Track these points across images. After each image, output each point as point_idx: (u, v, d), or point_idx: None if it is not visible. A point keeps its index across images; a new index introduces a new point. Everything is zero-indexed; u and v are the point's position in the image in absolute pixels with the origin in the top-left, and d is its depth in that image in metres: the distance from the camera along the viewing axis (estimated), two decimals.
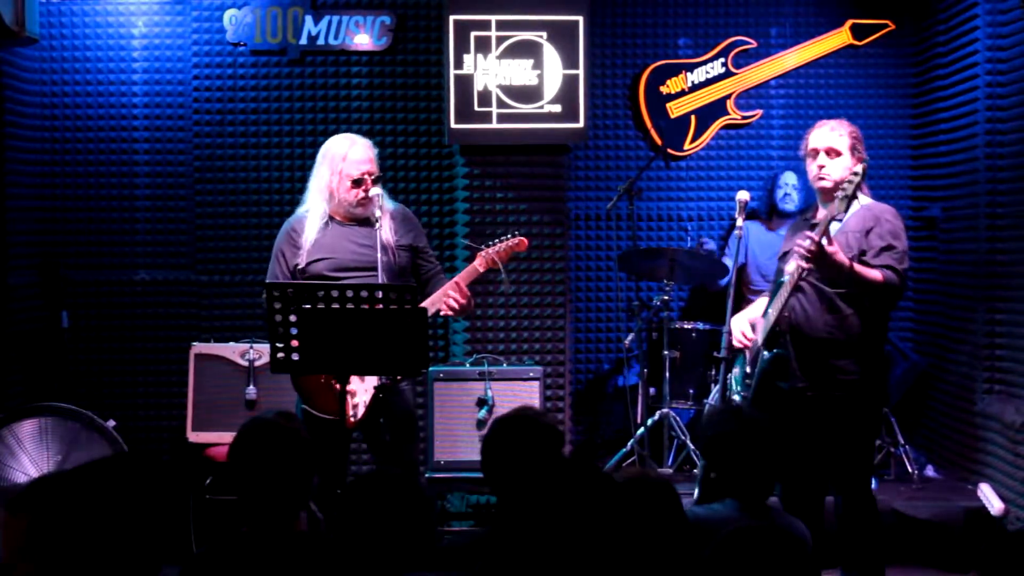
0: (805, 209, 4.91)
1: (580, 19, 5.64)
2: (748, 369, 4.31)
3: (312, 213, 4.34)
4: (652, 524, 2.45)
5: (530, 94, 5.64)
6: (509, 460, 2.94)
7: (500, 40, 5.63)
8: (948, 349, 5.93)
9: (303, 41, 5.92)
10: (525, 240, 4.46)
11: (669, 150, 6.26)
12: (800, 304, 4.07)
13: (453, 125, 5.63)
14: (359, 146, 4.36)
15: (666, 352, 5.63)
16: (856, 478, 4.12)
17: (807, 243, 3.83)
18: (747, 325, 4.34)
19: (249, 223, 5.97)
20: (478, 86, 5.62)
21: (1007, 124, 5.37)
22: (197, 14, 5.91)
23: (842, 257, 3.85)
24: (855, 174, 3.82)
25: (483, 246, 4.41)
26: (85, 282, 5.87)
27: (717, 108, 6.33)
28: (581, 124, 5.68)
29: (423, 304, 4.09)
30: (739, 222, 4.46)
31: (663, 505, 2.50)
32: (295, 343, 3.79)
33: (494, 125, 5.64)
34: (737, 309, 4.66)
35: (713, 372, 5.60)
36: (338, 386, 3.98)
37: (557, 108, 5.65)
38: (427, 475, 5.15)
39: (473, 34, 5.61)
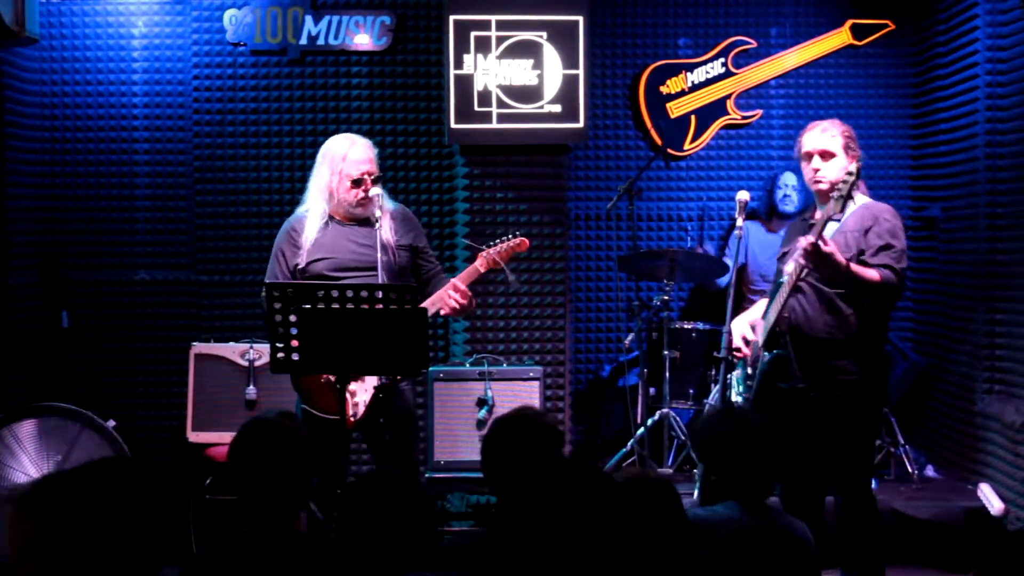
0: (804, 210, 4.91)
1: (580, 19, 5.65)
2: (749, 370, 4.31)
3: (312, 213, 4.34)
4: (652, 524, 2.45)
5: (530, 94, 5.64)
6: (509, 460, 2.94)
7: (500, 40, 5.63)
8: (948, 349, 5.93)
9: (303, 41, 5.92)
10: (526, 240, 4.46)
11: (669, 150, 6.26)
12: (800, 305, 4.07)
13: (453, 125, 5.63)
14: (359, 146, 4.36)
15: (666, 352, 5.63)
16: (856, 478, 4.12)
17: (804, 243, 3.83)
18: (747, 328, 4.34)
19: (249, 223, 5.97)
20: (478, 86, 5.62)
21: (1007, 124, 5.37)
22: (197, 14, 5.91)
23: (839, 257, 3.85)
24: (849, 174, 3.82)
25: (484, 246, 4.41)
26: (85, 282, 5.87)
27: (717, 108, 6.33)
28: (581, 124, 5.68)
29: (423, 304, 4.10)
30: (739, 222, 4.47)
31: (663, 505, 2.50)
32: (295, 343, 3.79)
33: (494, 125, 5.64)
34: (737, 309, 4.67)
35: (713, 372, 5.60)
36: (338, 386, 3.98)
37: (557, 108, 5.65)
38: (427, 475, 5.15)
39: (473, 34, 5.61)
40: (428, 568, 2.52)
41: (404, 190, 5.91)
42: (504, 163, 5.76)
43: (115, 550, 1.87)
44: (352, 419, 4.13)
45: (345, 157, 4.31)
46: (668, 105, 6.29)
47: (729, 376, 4.46)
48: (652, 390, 5.74)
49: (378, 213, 4.21)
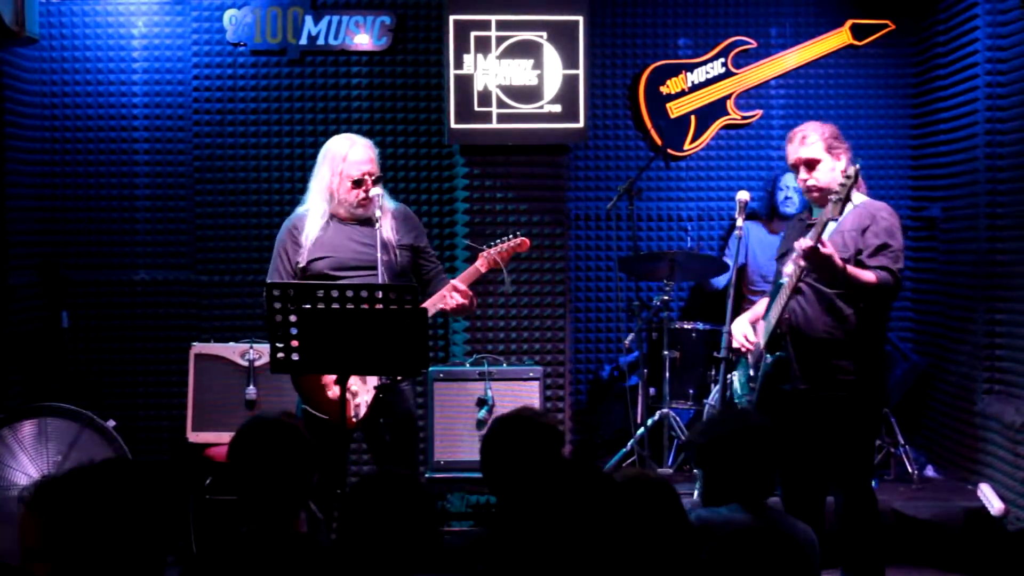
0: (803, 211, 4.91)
1: (580, 19, 5.64)
2: (751, 372, 4.32)
3: (313, 212, 4.35)
4: (652, 524, 2.45)
5: (530, 94, 5.64)
6: (508, 460, 2.94)
7: (500, 40, 5.63)
8: (948, 349, 5.93)
9: (303, 41, 5.92)
10: (527, 240, 4.46)
11: (669, 150, 6.26)
12: (799, 305, 4.07)
13: (453, 125, 5.63)
14: (359, 146, 4.36)
15: (666, 352, 5.63)
16: (857, 478, 4.13)
17: (803, 245, 3.83)
18: (748, 328, 4.34)
19: (249, 223, 5.97)
20: (478, 86, 5.62)
21: (1007, 124, 5.37)
22: (197, 14, 5.91)
23: (837, 260, 3.85)
24: (848, 177, 3.80)
25: (485, 246, 4.41)
26: (85, 282, 5.87)
27: (717, 108, 6.33)
28: (581, 124, 5.68)
29: (424, 304, 4.10)
30: (739, 222, 4.47)
31: (663, 505, 2.50)
32: (295, 343, 3.79)
33: (494, 125, 5.64)
34: (737, 310, 4.67)
35: (713, 372, 5.60)
36: (338, 387, 3.98)
37: (557, 108, 5.65)
38: (427, 475, 5.15)
39: (473, 34, 5.61)
40: (430, 569, 2.52)
41: (404, 190, 5.91)
42: (504, 163, 5.76)
43: (121, 549, 1.88)
44: (353, 419, 4.13)
45: (346, 158, 4.31)
46: (668, 105, 6.29)
47: (729, 376, 4.46)
48: (652, 390, 5.74)
49: (378, 213, 4.22)
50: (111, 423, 5.07)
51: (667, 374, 5.62)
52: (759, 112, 6.37)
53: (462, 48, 5.61)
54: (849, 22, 6.34)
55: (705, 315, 6.08)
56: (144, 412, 5.88)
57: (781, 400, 4.10)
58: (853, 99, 6.40)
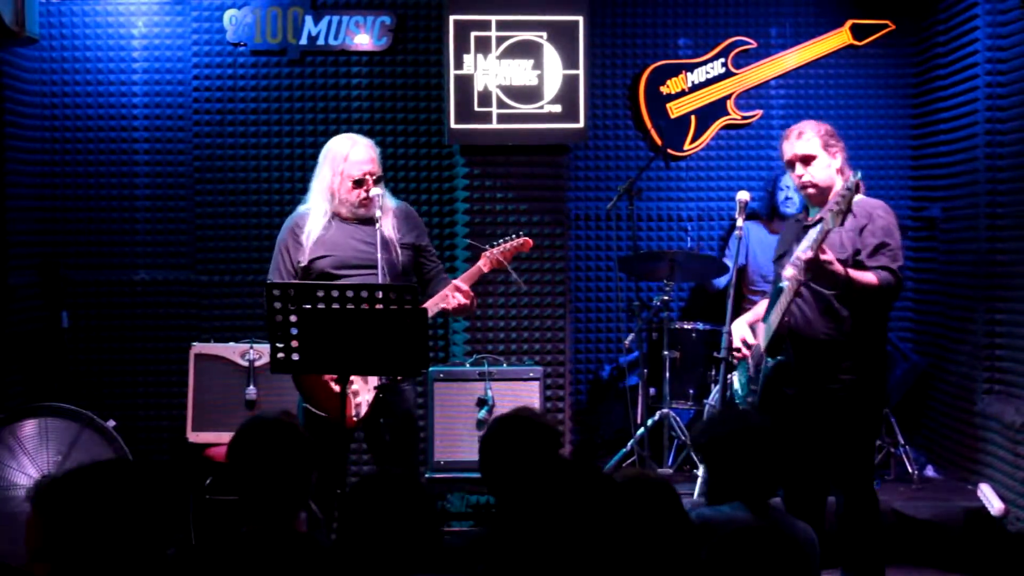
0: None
1: (580, 19, 5.64)
2: (751, 372, 4.32)
3: (315, 211, 4.35)
4: (652, 524, 2.45)
5: (530, 94, 5.64)
6: (506, 461, 2.94)
7: (500, 40, 5.63)
8: (948, 349, 5.93)
9: (303, 41, 5.92)
10: (530, 240, 4.46)
11: (669, 150, 6.26)
12: (798, 308, 4.07)
13: (453, 125, 5.63)
14: (360, 146, 4.36)
15: (666, 352, 5.63)
16: (858, 478, 4.13)
17: (804, 257, 3.82)
18: (747, 330, 4.35)
19: (249, 223, 5.97)
20: (478, 86, 5.62)
21: (1007, 124, 5.37)
22: (197, 14, 5.91)
23: (838, 267, 3.85)
24: (848, 189, 3.76)
25: (487, 246, 4.41)
26: (85, 282, 5.87)
27: (717, 108, 6.33)
28: (581, 124, 5.68)
29: (425, 305, 4.10)
30: (739, 222, 4.46)
31: (663, 505, 2.50)
32: (295, 343, 3.79)
33: (494, 125, 5.64)
34: (737, 310, 4.67)
35: (713, 372, 5.60)
36: (338, 386, 3.98)
37: (557, 108, 5.65)
38: (427, 475, 5.15)
39: (473, 34, 5.61)
40: (430, 569, 2.52)
41: (404, 190, 5.91)
42: (504, 163, 5.76)
43: (122, 549, 1.88)
44: (354, 419, 4.13)
45: (346, 158, 4.31)
46: (668, 105, 6.29)
47: (729, 377, 4.46)
48: (652, 390, 5.74)
49: (378, 213, 4.22)
50: (111, 423, 5.07)
51: (667, 374, 5.62)
52: (759, 112, 6.37)
53: (462, 48, 5.61)
54: (849, 22, 6.34)
55: (705, 315, 6.08)
56: (144, 412, 5.88)
57: (783, 402, 4.10)
58: (853, 99, 6.40)
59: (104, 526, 1.88)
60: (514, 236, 4.43)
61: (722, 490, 3.09)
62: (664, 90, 6.29)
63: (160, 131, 5.95)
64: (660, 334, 5.71)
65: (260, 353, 5.30)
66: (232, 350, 5.45)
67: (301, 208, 4.43)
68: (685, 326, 5.81)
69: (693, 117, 6.32)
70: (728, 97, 6.33)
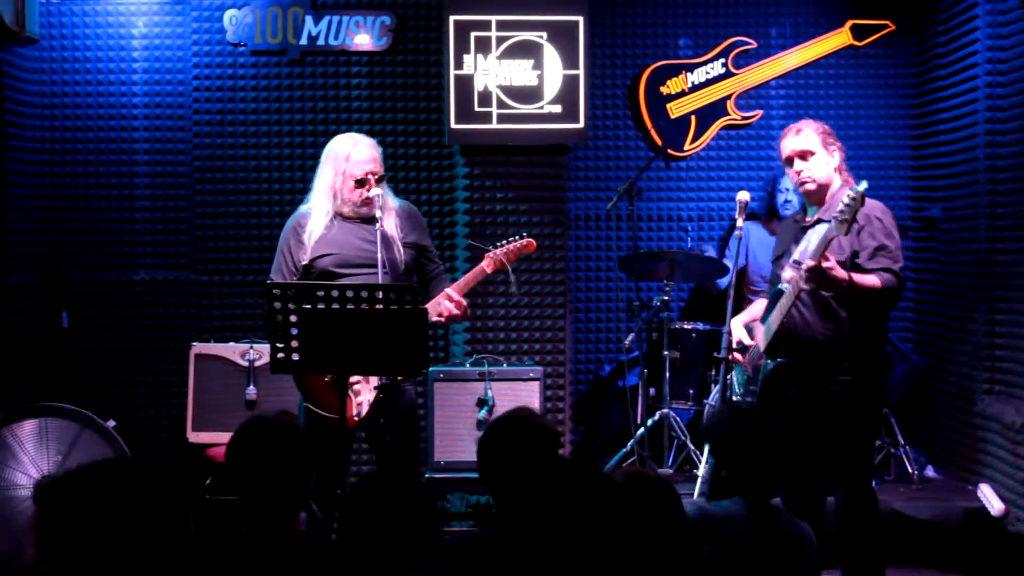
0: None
1: (580, 19, 5.65)
2: (749, 374, 4.32)
3: (317, 210, 4.35)
4: (651, 524, 2.45)
5: (530, 94, 5.64)
6: (504, 461, 2.94)
7: (500, 40, 5.63)
8: (948, 349, 5.93)
9: (303, 41, 5.92)
10: (533, 242, 4.45)
11: (669, 150, 6.26)
12: (797, 309, 4.07)
13: (453, 125, 5.63)
14: (362, 146, 4.36)
15: (666, 352, 5.63)
16: (857, 478, 4.13)
17: (806, 265, 3.81)
18: (743, 331, 4.35)
19: (249, 223, 5.97)
20: (478, 86, 5.62)
21: (1007, 124, 5.37)
22: (197, 14, 5.91)
23: (841, 272, 3.84)
24: (854, 199, 3.74)
25: (491, 247, 4.40)
26: (85, 282, 5.87)
27: (717, 108, 6.33)
28: (581, 124, 5.68)
29: (426, 306, 4.10)
30: (739, 223, 4.46)
31: (662, 505, 2.50)
32: (295, 343, 3.79)
33: (494, 125, 5.64)
34: (737, 310, 4.66)
35: (713, 372, 5.60)
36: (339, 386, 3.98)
37: (557, 108, 5.65)
38: (427, 475, 5.14)
39: (473, 34, 5.61)
40: (430, 569, 2.52)
41: (404, 190, 5.90)
42: (504, 163, 5.76)
43: (128, 549, 1.88)
44: (356, 418, 4.13)
45: (348, 157, 4.31)
46: (668, 105, 6.29)
47: (729, 376, 4.46)
48: (652, 390, 5.74)
49: (378, 213, 4.21)
50: (111, 423, 5.07)
51: (667, 374, 5.62)
52: (759, 112, 6.37)
53: (462, 48, 5.61)
54: (849, 22, 6.34)
55: (705, 315, 6.08)
56: (144, 412, 5.89)
57: (783, 403, 4.10)
58: (853, 99, 6.40)
59: (107, 525, 1.88)
60: (518, 237, 4.42)
61: (728, 485, 3.09)
62: (664, 90, 6.29)
63: (160, 131, 5.95)
64: (660, 334, 5.71)
65: (260, 353, 5.30)
66: (232, 350, 5.45)
67: (303, 208, 4.42)
68: (685, 326, 5.81)
69: (693, 117, 6.32)
70: (728, 97, 6.33)
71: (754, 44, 6.34)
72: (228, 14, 5.87)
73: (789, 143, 4.19)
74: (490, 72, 5.63)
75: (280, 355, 3.82)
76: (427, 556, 2.49)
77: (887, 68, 6.41)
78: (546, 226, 5.75)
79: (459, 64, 5.62)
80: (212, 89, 5.93)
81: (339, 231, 4.31)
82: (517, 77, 5.64)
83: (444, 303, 4.23)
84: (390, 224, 4.32)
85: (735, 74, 6.33)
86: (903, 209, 6.26)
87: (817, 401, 4.05)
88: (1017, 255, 5.26)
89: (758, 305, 4.47)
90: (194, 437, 5.36)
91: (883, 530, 4.18)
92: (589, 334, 6.32)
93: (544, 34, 5.64)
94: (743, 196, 4.47)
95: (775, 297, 4.15)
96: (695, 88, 6.31)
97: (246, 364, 5.39)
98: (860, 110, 6.39)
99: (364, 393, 4.17)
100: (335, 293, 3.76)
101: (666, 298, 5.69)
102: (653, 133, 6.26)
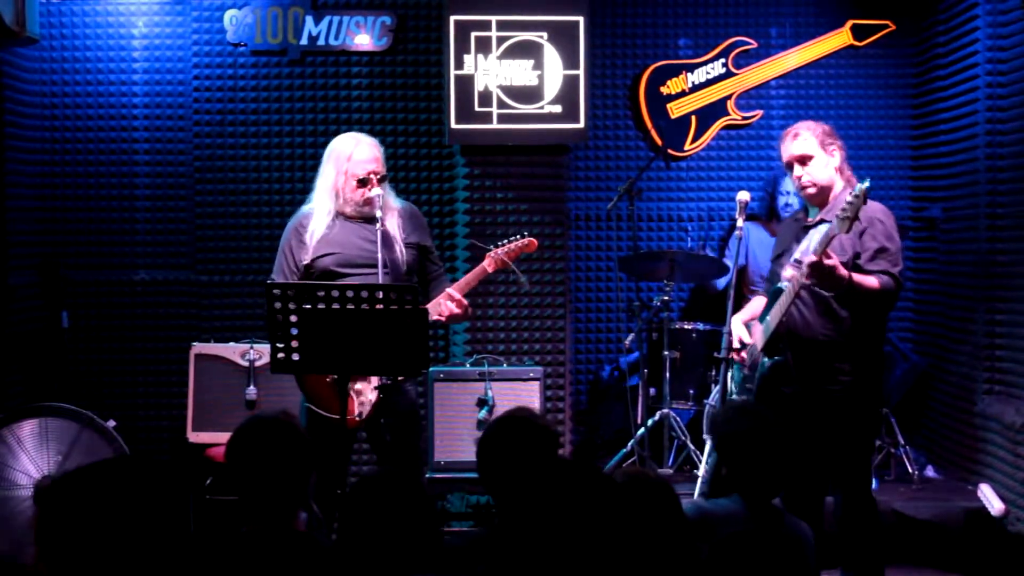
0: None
1: (580, 19, 5.65)
2: (747, 371, 4.31)
3: (319, 210, 4.35)
4: (650, 524, 2.45)
5: (530, 94, 5.64)
6: (504, 462, 2.94)
7: (500, 40, 5.63)
8: (948, 349, 5.93)
9: (303, 41, 5.92)
10: (535, 241, 4.45)
11: (669, 150, 6.26)
12: (797, 309, 4.07)
13: (453, 125, 5.63)
14: (364, 145, 4.36)
15: (666, 352, 5.63)
16: (856, 479, 4.13)
17: (808, 261, 3.82)
18: (743, 329, 4.35)
19: (249, 223, 5.97)
20: (478, 86, 5.63)
21: (1007, 124, 5.37)
22: (197, 14, 5.91)
23: (842, 271, 3.85)
24: (856, 196, 3.75)
25: (492, 246, 4.40)
26: (85, 282, 5.87)
27: (717, 108, 6.33)
28: (581, 124, 5.68)
29: (426, 306, 4.10)
30: (739, 223, 4.46)
31: (661, 505, 2.50)
32: (295, 343, 3.79)
33: (494, 125, 5.64)
34: (737, 311, 4.66)
35: (713, 372, 5.60)
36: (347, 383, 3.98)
37: (557, 108, 5.65)
38: (427, 475, 5.14)
39: (473, 34, 5.61)
40: (430, 569, 2.52)
41: (404, 190, 5.90)
42: (504, 163, 5.76)
43: (131, 548, 1.88)
44: (358, 418, 4.13)
45: (350, 157, 4.31)
46: (668, 105, 6.29)
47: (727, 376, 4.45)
48: (652, 390, 5.73)
49: (378, 213, 4.21)
50: (111, 423, 5.07)
51: (667, 374, 5.62)
52: (759, 112, 6.37)
53: (462, 48, 5.61)
54: (849, 22, 6.34)
55: (705, 315, 6.08)
56: (144, 412, 5.89)
57: (780, 402, 4.10)
58: (853, 99, 6.40)
59: (107, 525, 1.88)
60: (519, 236, 4.42)
61: (728, 483, 3.09)
62: (664, 90, 6.29)
63: (160, 131, 5.95)
64: (660, 334, 5.71)
65: (260, 353, 5.30)
66: (232, 350, 5.45)
67: (305, 208, 4.42)
68: (685, 326, 5.81)
69: (693, 117, 6.32)
70: (728, 97, 6.33)
71: (754, 44, 6.34)
72: (228, 14, 5.87)
73: (788, 148, 4.19)
74: (490, 72, 5.63)
75: (280, 355, 3.82)
76: (426, 556, 2.49)
77: (887, 68, 6.41)
78: (546, 226, 5.75)
79: (459, 64, 5.62)
80: (212, 89, 5.94)
81: (341, 231, 4.31)
82: (517, 77, 5.64)
83: (445, 303, 4.24)
84: (392, 224, 4.32)
85: (735, 74, 6.33)
86: (903, 209, 6.26)
87: (816, 401, 4.05)
88: (1017, 255, 5.26)
89: (757, 303, 4.46)
90: (194, 437, 5.36)
91: (882, 531, 4.18)
92: (589, 334, 6.32)
93: (544, 34, 5.64)
94: (743, 196, 4.46)
95: (774, 295, 4.15)
96: (695, 88, 6.31)
97: (246, 364, 5.40)
98: (860, 110, 6.39)
99: (366, 393, 4.17)
100: (335, 293, 3.76)
101: (666, 298, 5.69)
102: (653, 133, 6.26)
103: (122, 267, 5.94)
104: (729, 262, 5.69)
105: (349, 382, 3.98)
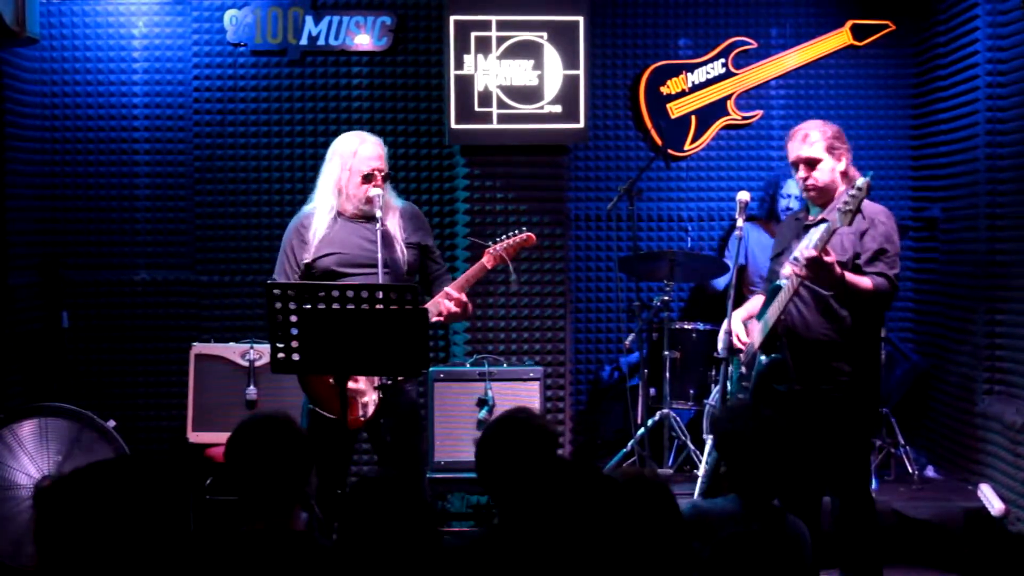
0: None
1: (580, 19, 5.65)
2: (744, 370, 4.31)
3: (320, 209, 4.34)
4: (648, 524, 2.45)
5: (530, 94, 5.64)
6: (503, 462, 2.93)
7: (500, 40, 5.63)
8: (948, 349, 5.93)
9: (303, 41, 5.92)
10: (533, 236, 4.45)
11: (669, 150, 6.26)
12: (796, 308, 4.08)
13: (453, 125, 5.63)
14: (369, 143, 4.37)
15: (666, 352, 5.63)
16: (854, 479, 4.13)
17: (807, 254, 3.82)
18: (741, 327, 4.34)
19: (249, 223, 5.97)
20: (478, 86, 5.63)
21: (1007, 124, 5.37)
22: (197, 14, 5.91)
23: (837, 269, 3.85)
24: (859, 189, 3.76)
25: (490, 243, 4.40)
26: (85, 282, 5.88)
27: (717, 108, 6.33)
28: (581, 124, 5.68)
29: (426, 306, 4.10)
30: (739, 223, 4.46)
31: (659, 506, 2.50)
32: (295, 343, 3.79)
33: (494, 125, 5.64)
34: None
35: (713, 372, 5.60)
36: (351, 383, 3.98)
37: (557, 108, 5.65)
38: (427, 475, 5.14)
39: (473, 34, 5.61)
40: (430, 570, 2.52)
41: (405, 190, 5.90)
42: (504, 163, 5.76)
43: (135, 549, 1.88)
44: (361, 418, 4.13)
45: (356, 153, 4.32)
46: (668, 105, 6.29)
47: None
48: (652, 390, 5.73)
49: (378, 213, 4.21)
50: (111, 423, 5.07)
51: (667, 374, 5.62)
52: (759, 112, 6.37)
53: (462, 48, 5.61)
54: (849, 22, 6.34)
55: (705, 315, 6.07)
56: (144, 412, 5.89)
57: (776, 400, 4.10)
58: (853, 99, 6.40)
59: (107, 525, 1.88)
60: (517, 231, 4.42)
61: (727, 482, 3.09)
62: (664, 90, 6.29)
63: (160, 131, 5.95)
64: (660, 334, 5.71)
65: (260, 353, 5.30)
66: (232, 350, 5.45)
67: (306, 208, 4.42)
68: (685, 326, 5.81)
69: (693, 117, 6.32)
70: (728, 97, 6.33)
71: (754, 44, 6.34)
72: (228, 14, 5.87)
73: (795, 149, 4.18)
74: (490, 72, 5.63)
75: (280, 355, 3.82)
76: (426, 557, 2.49)
77: (887, 68, 6.41)
78: (546, 226, 5.75)
79: (459, 64, 5.62)
80: (212, 89, 5.94)
81: (342, 230, 4.31)
82: (517, 77, 5.64)
83: (444, 302, 4.23)
84: (393, 224, 4.33)
85: (735, 74, 6.33)
86: (903, 209, 6.26)
87: (813, 401, 4.05)
88: (1017, 255, 5.26)
89: (756, 301, 4.46)
90: (194, 437, 5.36)
91: (880, 532, 4.18)
92: (589, 334, 6.32)
93: (544, 34, 5.64)
94: (743, 196, 4.46)
95: (772, 293, 4.15)
96: (695, 88, 6.31)
97: (246, 364, 5.40)
98: (860, 110, 6.39)
99: (369, 393, 4.17)
100: (335, 293, 3.76)
101: (666, 298, 5.69)
102: (653, 133, 6.26)
103: (122, 267, 5.94)
104: (729, 262, 5.69)
105: (350, 383, 3.98)
